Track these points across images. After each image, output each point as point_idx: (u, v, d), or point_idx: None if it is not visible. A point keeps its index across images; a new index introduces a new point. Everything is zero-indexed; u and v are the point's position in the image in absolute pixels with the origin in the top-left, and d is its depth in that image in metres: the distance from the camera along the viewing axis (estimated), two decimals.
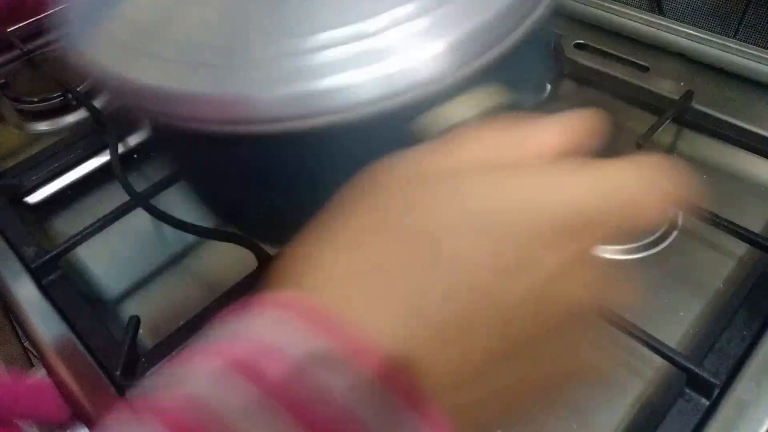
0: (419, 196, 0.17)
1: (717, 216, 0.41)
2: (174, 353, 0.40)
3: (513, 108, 0.23)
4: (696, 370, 0.34)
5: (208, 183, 0.32)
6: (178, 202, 0.47)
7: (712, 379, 0.34)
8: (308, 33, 0.22)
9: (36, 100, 0.59)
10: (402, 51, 0.21)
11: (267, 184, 0.27)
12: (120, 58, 0.24)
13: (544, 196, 0.17)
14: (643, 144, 0.47)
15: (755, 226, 0.45)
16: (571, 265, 0.17)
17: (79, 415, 0.39)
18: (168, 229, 0.47)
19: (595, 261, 0.18)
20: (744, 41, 0.55)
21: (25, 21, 0.62)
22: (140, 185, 0.47)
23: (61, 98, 0.58)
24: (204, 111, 0.23)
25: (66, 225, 0.51)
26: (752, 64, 0.53)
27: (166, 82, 0.23)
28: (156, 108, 0.24)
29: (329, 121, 0.22)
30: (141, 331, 0.42)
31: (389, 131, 0.22)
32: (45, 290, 0.44)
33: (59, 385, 0.40)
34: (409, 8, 0.22)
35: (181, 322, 0.41)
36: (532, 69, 0.28)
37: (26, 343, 0.46)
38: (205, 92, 0.22)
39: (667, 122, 0.48)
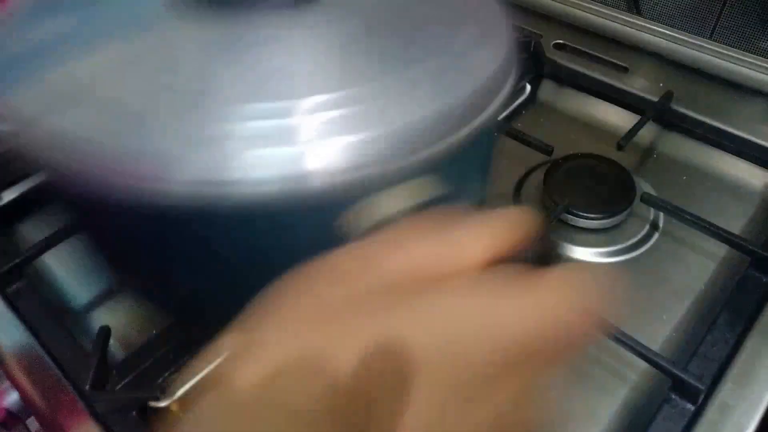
0: (338, 329, 0.15)
1: (697, 217, 0.41)
2: (146, 364, 0.38)
3: (446, 201, 0.22)
4: (681, 375, 0.34)
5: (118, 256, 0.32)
6: None
7: (697, 384, 0.33)
8: (225, 102, 0.22)
9: None
10: (323, 136, 0.21)
11: (161, 256, 0.26)
12: (44, 108, 0.23)
13: (477, 328, 0.15)
14: (624, 146, 0.46)
15: (734, 227, 0.45)
16: (517, 399, 0.15)
17: (46, 430, 0.38)
18: None
19: (542, 387, 0.16)
20: (720, 42, 0.56)
21: None
22: None
23: None
24: (108, 169, 0.22)
25: (32, 231, 0.49)
26: (729, 66, 0.54)
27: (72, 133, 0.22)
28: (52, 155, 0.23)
29: (233, 196, 0.21)
30: (111, 342, 0.40)
31: (310, 218, 0.21)
32: (8, 299, 0.41)
33: (24, 398, 0.38)
34: (336, 96, 0.22)
35: (153, 332, 0.39)
36: (470, 170, 0.28)
37: None
38: (113, 150, 0.21)
39: (647, 123, 0.48)
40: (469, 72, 0.24)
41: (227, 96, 0.22)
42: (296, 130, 0.21)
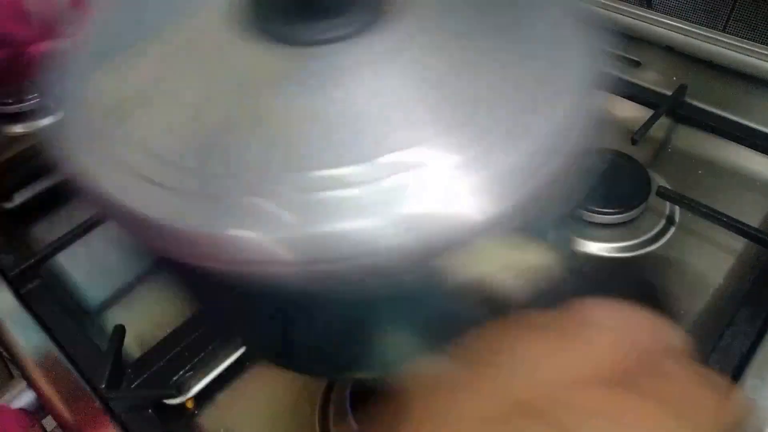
0: None
1: (714, 211, 0.41)
2: (161, 363, 0.38)
3: (540, 266, 0.21)
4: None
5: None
6: None
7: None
8: (320, 167, 0.19)
9: (11, 101, 0.56)
10: (428, 191, 0.19)
11: (269, 319, 0.25)
12: (111, 175, 0.21)
13: None
14: (638, 140, 0.46)
15: (752, 221, 0.44)
16: None
17: (64, 429, 0.38)
18: None
19: None
20: (733, 35, 0.55)
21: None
22: None
23: (38, 100, 0.56)
24: (200, 251, 0.20)
25: (45, 232, 0.49)
26: (743, 58, 0.53)
27: (158, 214, 0.20)
28: (146, 239, 0.21)
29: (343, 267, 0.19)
30: (126, 341, 0.40)
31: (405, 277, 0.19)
32: (24, 300, 0.42)
33: (41, 398, 0.38)
34: (431, 144, 0.20)
35: (168, 331, 0.39)
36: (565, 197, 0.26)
37: (5, 355, 0.44)
38: (204, 231, 0.19)
39: (661, 117, 0.48)
40: (559, 102, 0.22)
41: (319, 151, 0.20)
42: (403, 188, 0.19)
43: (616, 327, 0.17)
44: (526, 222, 0.20)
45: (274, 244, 0.19)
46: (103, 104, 0.23)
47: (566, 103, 0.21)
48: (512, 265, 0.20)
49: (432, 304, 0.20)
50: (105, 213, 0.22)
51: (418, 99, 0.21)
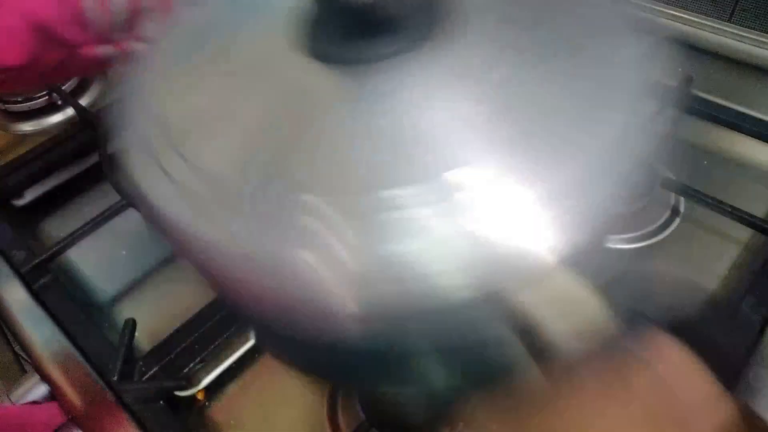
0: None
1: (719, 201, 0.41)
2: (171, 355, 0.39)
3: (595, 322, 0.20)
4: None
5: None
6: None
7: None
8: (380, 187, 0.19)
9: (20, 99, 0.57)
10: (504, 231, 0.18)
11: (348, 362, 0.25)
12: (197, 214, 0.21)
13: None
14: None
15: (758, 211, 0.44)
16: None
17: (77, 422, 0.38)
18: None
19: None
20: (739, 25, 0.55)
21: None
22: None
23: (47, 97, 0.57)
24: (259, 275, 0.20)
25: (56, 228, 0.50)
26: (750, 48, 0.53)
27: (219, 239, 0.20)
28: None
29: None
30: (137, 334, 0.41)
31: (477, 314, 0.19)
32: (36, 295, 0.42)
33: (55, 391, 0.39)
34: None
35: (179, 324, 0.40)
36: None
37: (18, 350, 0.45)
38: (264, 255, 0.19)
39: (666, 108, 0.48)
40: (615, 119, 0.21)
41: (378, 171, 0.19)
42: (467, 209, 0.18)
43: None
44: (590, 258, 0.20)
45: (333, 277, 0.18)
46: (166, 125, 0.23)
47: (622, 120, 0.21)
48: (569, 314, 0.19)
49: (479, 341, 0.20)
50: (167, 239, 0.22)
51: (474, 117, 0.21)
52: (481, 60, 0.22)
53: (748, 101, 0.50)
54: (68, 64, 0.36)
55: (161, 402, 0.37)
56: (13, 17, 0.33)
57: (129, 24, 0.37)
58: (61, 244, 0.44)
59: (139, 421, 0.36)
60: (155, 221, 0.21)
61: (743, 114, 0.49)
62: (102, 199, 0.47)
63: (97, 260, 0.47)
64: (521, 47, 0.23)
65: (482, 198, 0.19)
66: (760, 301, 0.37)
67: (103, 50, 0.37)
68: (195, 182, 0.21)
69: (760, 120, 0.48)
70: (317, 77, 0.23)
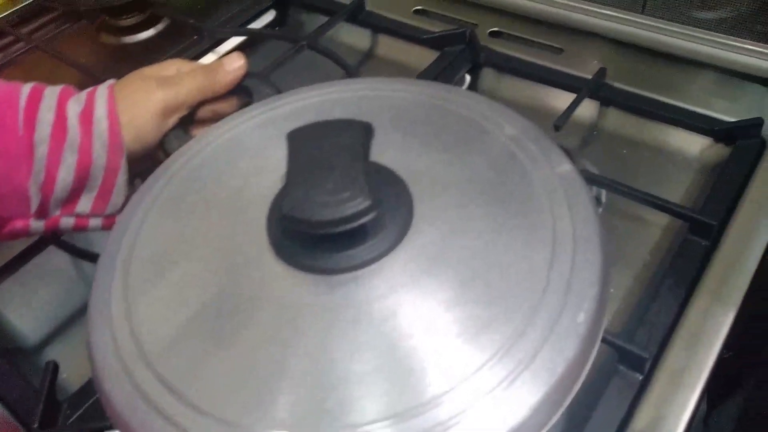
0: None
1: (634, 189, 0.42)
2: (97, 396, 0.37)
3: None
4: (625, 346, 0.34)
5: None
6: (97, 236, 0.45)
7: (641, 353, 0.34)
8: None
9: None
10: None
11: None
12: None
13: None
14: (560, 126, 0.47)
15: (675, 195, 0.45)
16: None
17: None
18: (88, 266, 0.45)
19: None
20: (652, 16, 0.56)
21: None
22: None
23: None
24: None
25: None
26: (662, 38, 0.54)
27: None
28: None
29: None
30: (64, 376, 0.40)
31: None
32: None
33: None
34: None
35: None
36: None
37: None
38: None
39: (582, 102, 0.49)
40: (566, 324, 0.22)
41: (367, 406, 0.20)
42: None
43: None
44: None
45: None
46: (138, 338, 0.23)
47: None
48: None
49: None
50: None
51: (436, 326, 0.22)
52: (434, 270, 0.23)
53: (664, 89, 0.51)
54: None
55: None
56: None
57: (67, 200, 0.37)
58: None
59: None
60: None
61: (658, 102, 0.50)
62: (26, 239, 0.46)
63: (20, 302, 0.45)
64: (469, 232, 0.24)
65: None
66: (677, 284, 0.38)
67: (33, 225, 0.36)
68: (161, 397, 0.21)
69: (674, 106, 0.50)
70: (291, 285, 0.23)
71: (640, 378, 0.34)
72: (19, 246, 0.45)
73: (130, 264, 0.25)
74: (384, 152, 0.27)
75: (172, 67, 0.39)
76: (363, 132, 0.23)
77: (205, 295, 0.24)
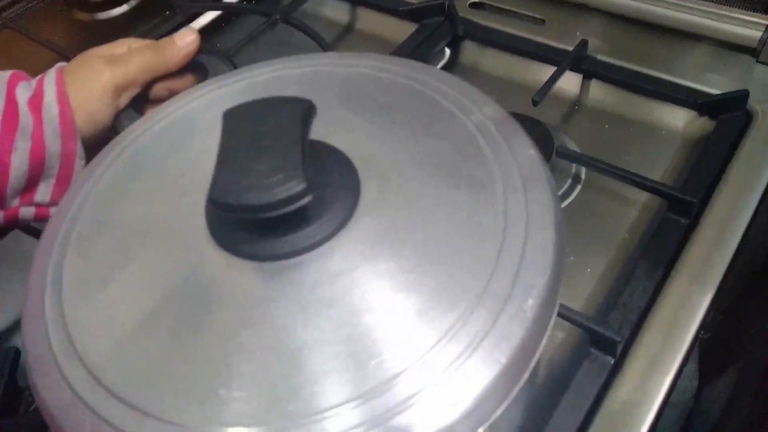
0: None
1: (613, 166, 0.40)
2: None
3: None
4: (597, 329, 0.33)
5: None
6: None
7: (613, 336, 0.33)
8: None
9: None
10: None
11: None
12: None
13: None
14: (538, 101, 0.45)
15: (656, 171, 0.44)
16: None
17: None
18: None
19: None
20: None
21: None
22: None
23: None
24: None
25: None
26: (648, 8, 0.52)
27: None
28: None
29: None
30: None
31: None
32: None
33: None
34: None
35: None
36: None
37: None
38: None
39: (562, 75, 0.47)
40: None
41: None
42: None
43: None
44: None
45: None
46: (70, 334, 0.22)
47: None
48: None
49: None
50: None
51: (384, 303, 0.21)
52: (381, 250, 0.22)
53: (648, 61, 0.49)
54: None
55: None
56: None
57: (25, 189, 0.35)
58: None
59: None
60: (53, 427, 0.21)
61: (640, 73, 0.48)
62: None
63: None
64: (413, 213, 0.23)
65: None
66: (653, 264, 0.37)
67: None
68: (96, 396, 0.21)
69: (657, 78, 0.48)
70: (232, 274, 0.22)
71: (612, 361, 0.33)
72: None
73: (67, 248, 0.24)
74: (335, 133, 0.26)
75: (122, 45, 0.38)
76: (305, 110, 0.22)
77: (143, 285, 0.23)
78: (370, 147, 0.25)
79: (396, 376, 0.19)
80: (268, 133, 0.21)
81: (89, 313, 0.23)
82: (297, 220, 0.22)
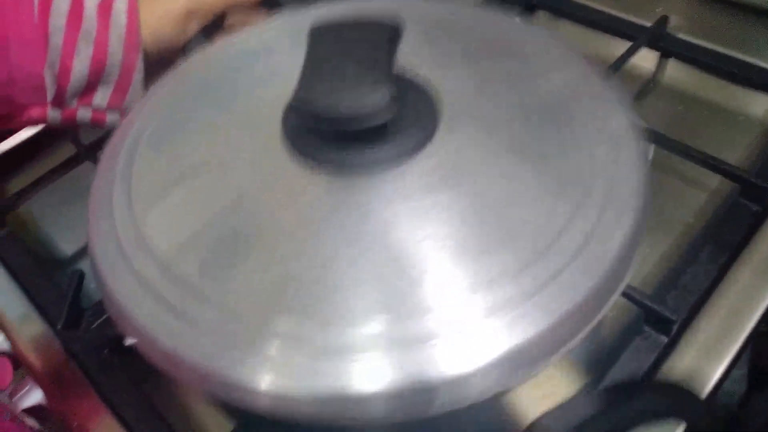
0: None
1: (683, 145, 0.39)
2: None
3: None
4: (654, 306, 0.32)
5: None
6: None
7: (669, 316, 0.32)
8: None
9: None
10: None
11: None
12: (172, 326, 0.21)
13: None
14: (613, 74, 0.44)
15: (731, 156, 0.42)
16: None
17: (32, 374, 0.39)
18: None
19: None
20: None
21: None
22: (91, 137, 0.46)
23: None
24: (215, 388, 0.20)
25: (14, 181, 0.50)
26: None
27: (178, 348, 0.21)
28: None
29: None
30: (92, 286, 0.41)
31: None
32: None
33: (11, 343, 0.39)
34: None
35: None
36: None
37: None
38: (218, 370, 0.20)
39: (638, 51, 0.45)
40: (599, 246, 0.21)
41: (357, 294, 0.20)
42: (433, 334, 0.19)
43: None
44: None
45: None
46: (141, 221, 0.23)
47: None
48: None
49: None
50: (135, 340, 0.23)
51: (455, 234, 0.21)
52: (459, 176, 0.22)
53: (732, 43, 0.47)
54: (9, 119, 0.35)
55: (106, 351, 0.37)
56: None
57: (84, 92, 0.36)
58: (18, 196, 0.44)
59: (84, 369, 0.36)
60: (119, 319, 0.22)
61: (722, 55, 0.46)
62: (63, 154, 0.47)
63: (57, 214, 0.47)
64: (500, 146, 0.23)
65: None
66: (719, 249, 0.35)
67: (50, 114, 0.36)
68: (163, 286, 0.21)
69: (740, 61, 0.45)
70: (304, 182, 0.22)
71: (666, 341, 0.32)
72: (57, 159, 0.46)
73: (138, 146, 0.25)
74: (420, 65, 0.25)
75: None
76: (392, 31, 0.22)
77: (215, 192, 0.23)
78: (457, 84, 0.25)
79: (434, 309, 0.19)
80: (354, 49, 0.21)
81: (158, 208, 0.23)
82: (373, 132, 0.21)
